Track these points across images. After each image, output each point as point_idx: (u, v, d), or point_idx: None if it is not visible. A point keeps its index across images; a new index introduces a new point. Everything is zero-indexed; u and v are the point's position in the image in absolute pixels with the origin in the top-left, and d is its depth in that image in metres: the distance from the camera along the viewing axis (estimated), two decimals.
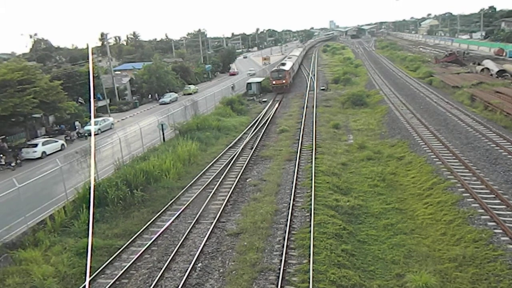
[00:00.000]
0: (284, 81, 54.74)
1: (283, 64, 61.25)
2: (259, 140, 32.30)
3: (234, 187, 22.69)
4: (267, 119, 39.98)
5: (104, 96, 51.98)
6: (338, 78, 63.96)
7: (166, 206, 20.87)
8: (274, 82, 55.33)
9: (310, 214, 18.18)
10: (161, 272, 14.85)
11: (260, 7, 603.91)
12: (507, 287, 12.71)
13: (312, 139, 30.42)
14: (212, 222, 18.51)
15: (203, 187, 23.13)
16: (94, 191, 20.27)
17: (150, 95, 62.58)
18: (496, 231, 15.53)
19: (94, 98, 49.61)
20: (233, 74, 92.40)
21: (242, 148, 30.20)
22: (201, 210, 19.92)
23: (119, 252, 16.70)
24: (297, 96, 52.60)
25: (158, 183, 23.69)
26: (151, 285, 14.21)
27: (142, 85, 63.03)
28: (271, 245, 16.31)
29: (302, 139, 31.28)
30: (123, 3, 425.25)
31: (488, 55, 73.97)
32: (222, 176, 24.46)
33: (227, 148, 30.79)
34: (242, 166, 26.00)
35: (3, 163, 30.11)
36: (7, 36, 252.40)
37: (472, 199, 18.23)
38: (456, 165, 22.56)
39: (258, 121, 39.53)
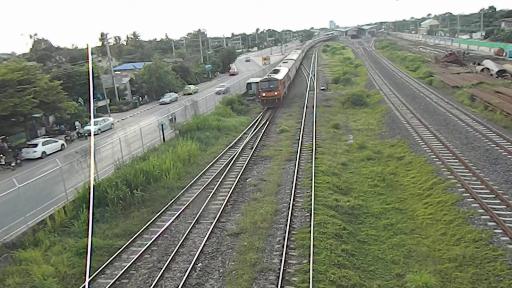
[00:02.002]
0: (276, 93, 44.60)
1: (276, 71, 50.68)
2: (259, 140, 32.30)
3: (234, 187, 22.68)
4: (267, 119, 40.01)
5: (104, 96, 52.00)
6: (338, 78, 63.94)
7: (166, 206, 20.88)
8: (264, 95, 44.71)
9: (310, 214, 18.18)
10: (161, 272, 14.86)
11: (260, 7, 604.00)
12: (507, 287, 12.71)
13: (312, 139, 30.42)
14: (212, 222, 18.51)
15: (203, 187, 23.13)
16: (94, 191, 20.25)
17: (140, 98, 61.90)
18: (496, 231, 15.53)
19: (94, 98, 49.65)
20: (233, 74, 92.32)
21: (242, 148, 30.20)
22: (201, 210, 19.93)
23: (119, 252, 16.70)
24: (297, 96, 52.54)
25: (158, 183, 23.69)
26: (151, 285, 14.21)
27: (142, 85, 63.04)
28: (271, 245, 16.31)
29: (302, 139, 31.27)
30: (123, 3, 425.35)
31: (488, 55, 73.98)
32: (222, 176, 24.46)
33: (227, 148, 30.78)
34: (242, 166, 26.00)
35: (3, 163, 30.11)
36: (7, 36, 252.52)
37: (472, 199, 18.23)
38: (456, 165, 22.56)
39: (258, 121, 39.54)
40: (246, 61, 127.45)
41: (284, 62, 64.95)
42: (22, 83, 34.54)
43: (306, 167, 24.96)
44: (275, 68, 56.56)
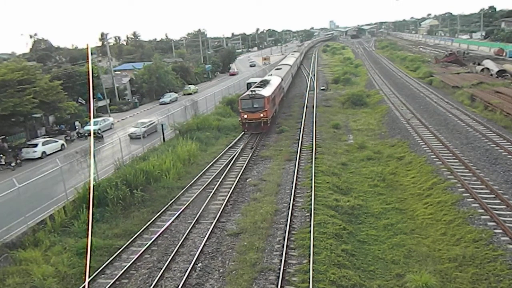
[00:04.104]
0: (262, 115, 32.68)
1: (264, 84, 38.45)
2: (259, 140, 32.28)
3: (234, 187, 22.69)
4: None
5: (104, 96, 52.00)
6: (338, 78, 63.97)
7: (166, 206, 20.88)
8: (245, 117, 33.02)
9: (310, 214, 18.19)
10: (161, 272, 14.86)
11: (260, 7, 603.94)
12: (507, 287, 12.71)
13: (312, 139, 30.41)
14: (212, 222, 18.52)
15: (203, 187, 23.13)
16: (93, 191, 20.26)
17: (139, 97, 61.42)
18: (496, 231, 15.54)
19: (94, 98, 49.64)
20: (233, 74, 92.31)
21: (242, 148, 30.19)
22: (201, 210, 19.93)
23: (119, 252, 16.71)
24: (297, 96, 52.53)
25: (158, 183, 23.70)
26: (151, 285, 14.22)
27: (142, 85, 63.05)
28: (271, 245, 16.31)
29: (302, 139, 31.26)
30: (123, 3, 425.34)
31: (488, 55, 74.00)
32: (222, 176, 24.46)
33: (227, 148, 30.77)
34: (242, 166, 26.00)
35: (3, 163, 30.11)
36: (7, 36, 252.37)
37: (472, 199, 18.23)
38: (456, 165, 22.57)
39: None
40: (251, 65, 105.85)
41: (277, 69, 53.69)
42: (22, 83, 34.53)
43: (306, 167, 24.96)
44: (264, 78, 44.13)
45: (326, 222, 17.48)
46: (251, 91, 34.92)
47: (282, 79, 44.57)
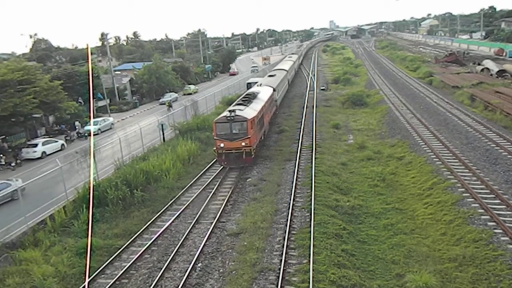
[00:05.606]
0: (244, 143, 24.74)
1: (249, 100, 29.26)
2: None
3: (234, 187, 22.69)
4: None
5: (104, 96, 52.01)
6: (338, 78, 63.95)
7: (166, 206, 20.88)
8: (221, 145, 24.87)
9: (310, 214, 18.18)
10: (161, 272, 14.87)
11: (260, 7, 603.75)
12: (507, 287, 12.71)
13: (312, 139, 30.39)
14: (212, 222, 18.52)
15: (203, 187, 23.14)
16: (94, 191, 20.28)
17: (140, 97, 61.74)
18: (496, 231, 15.54)
19: (94, 98, 49.70)
20: (233, 74, 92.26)
21: None
22: (201, 210, 19.94)
23: (119, 252, 16.71)
24: (297, 96, 52.51)
25: (158, 183, 23.71)
26: (151, 285, 14.22)
27: (142, 85, 63.08)
28: (271, 245, 16.31)
29: (302, 139, 31.25)
30: (123, 3, 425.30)
31: (488, 55, 74.01)
32: (222, 176, 24.46)
33: None
34: (242, 166, 25.98)
35: (3, 163, 30.14)
36: (7, 36, 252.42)
37: (472, 199, 18.24)
38: (456, 165, 22.56)
39: None
40: (253, 70, 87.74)
41: (269, 76, 45.17)
42: (22, 83, 34.55)
43: (306, 167, 24.95)
44: (251, 91, 34.69)
45: (326, 222, 17.48)
46: (229, 111, 25.67)
47: (274, 90, 36.84)
